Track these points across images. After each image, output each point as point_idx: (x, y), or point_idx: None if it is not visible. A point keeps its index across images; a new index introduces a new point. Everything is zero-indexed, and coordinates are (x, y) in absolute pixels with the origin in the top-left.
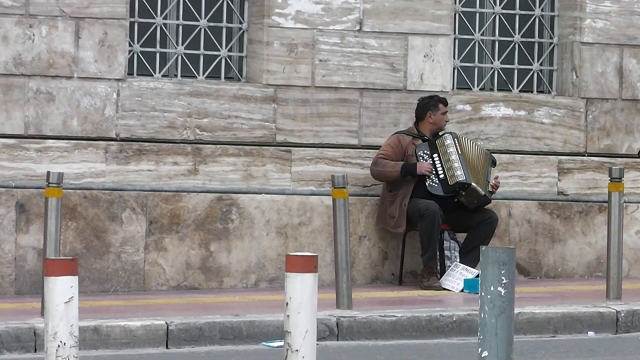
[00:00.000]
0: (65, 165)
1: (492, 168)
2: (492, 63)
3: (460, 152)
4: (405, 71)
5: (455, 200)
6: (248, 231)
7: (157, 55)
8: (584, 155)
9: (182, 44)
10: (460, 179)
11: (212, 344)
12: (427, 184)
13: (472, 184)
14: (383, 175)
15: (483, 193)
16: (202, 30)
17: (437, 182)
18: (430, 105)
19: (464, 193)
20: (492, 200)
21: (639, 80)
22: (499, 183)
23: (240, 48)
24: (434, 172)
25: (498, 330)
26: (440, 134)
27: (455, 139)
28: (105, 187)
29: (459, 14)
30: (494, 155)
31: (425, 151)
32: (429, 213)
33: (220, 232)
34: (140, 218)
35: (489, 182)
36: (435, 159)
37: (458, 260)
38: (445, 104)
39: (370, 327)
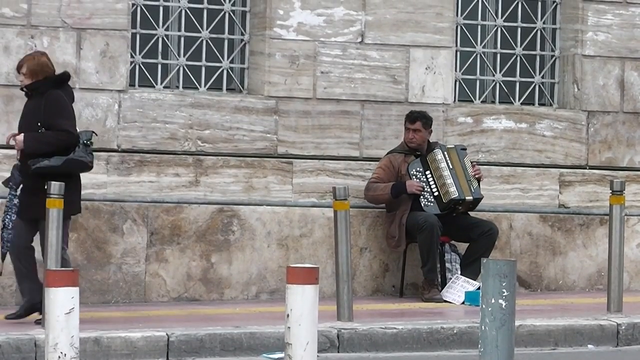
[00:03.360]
0: None
1: (465, 159)
2: (493, 75)
3: (451, 167)
4: (406, 83)
5: (454, 214)
6: (249, 243)
7: (159, 66)
8: (585, 168)
9: (184, 56)
10: (454, 196)
11: (213, 356)
12: (422, 203)
13: (466, 198)
14: (376, 199)
15: (472, 198)
16: (204, 42)
17: (432, 200)
18: (405, 122)
19: (459, 207)
20: (494, 213)
21: None
22: (479, 170)
23: (242, 60)
24: (427, 189)
25: (499, 342)
26: (432, 147)
27: (445, 153)
28: (106, 198)
29: (461, 27)
30: (494, 167)
31: (418, 169)
32: (428, 225)
33: (221, 243)
34: (141, 229)
35: (469, 180)
36: (428, 176)
37: (459, 272)
38: (411, 121)
39: (371, 339)
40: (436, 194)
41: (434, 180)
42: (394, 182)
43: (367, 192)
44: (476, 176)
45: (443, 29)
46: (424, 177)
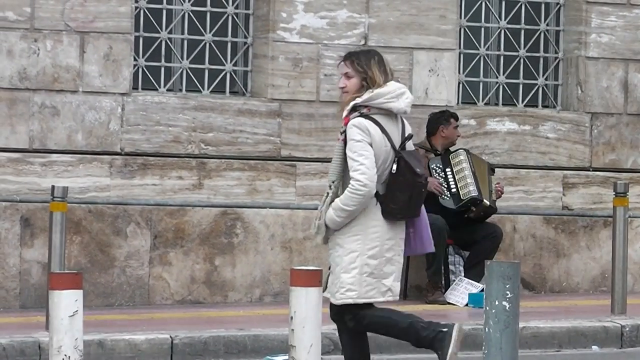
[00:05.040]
0: (70, 179)
1: (492, 176)
2: (497, 78)
3: (473, 169)
4: (410, 86)
5: (465, 216)
6: (252, 245)
7: (162, 69)
8: (588, 170)
9: (187, 59)
10: (473, 194)
11: (217, 358)
12: (439, 197)
13: (484, 200)
14: None
15: (489, 204)
16: (207, 45)
17: (449, 195)
18: (442, 119)
19: (474, 208)
20: (497, 215)
21: None
22: (502, 188)
23: (245, 62)
24: (445, 185)
25: (503, 344)
26: (452, 149)
27: (469, 155)
28: (109, 202)
29: (464, 29)
30: (497, 169)
31: (439, 165)
32: (435, 228)
33: (224, 246)
34: (144, 232)
35: (491, 191)
36: (448, 173)
37: (463, 274)
38: (457, 118)
39: (374, 341)
40: (454, 190)
41: (453, 177)
42: None
43: None
44: (497, 188)
45: (446, 31)
46: (443, 173)
